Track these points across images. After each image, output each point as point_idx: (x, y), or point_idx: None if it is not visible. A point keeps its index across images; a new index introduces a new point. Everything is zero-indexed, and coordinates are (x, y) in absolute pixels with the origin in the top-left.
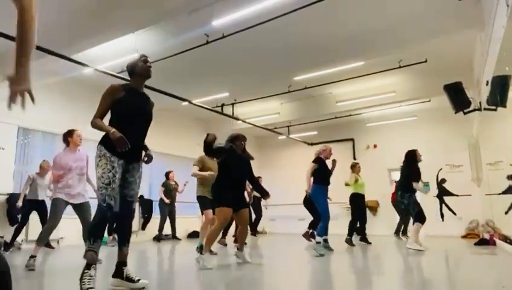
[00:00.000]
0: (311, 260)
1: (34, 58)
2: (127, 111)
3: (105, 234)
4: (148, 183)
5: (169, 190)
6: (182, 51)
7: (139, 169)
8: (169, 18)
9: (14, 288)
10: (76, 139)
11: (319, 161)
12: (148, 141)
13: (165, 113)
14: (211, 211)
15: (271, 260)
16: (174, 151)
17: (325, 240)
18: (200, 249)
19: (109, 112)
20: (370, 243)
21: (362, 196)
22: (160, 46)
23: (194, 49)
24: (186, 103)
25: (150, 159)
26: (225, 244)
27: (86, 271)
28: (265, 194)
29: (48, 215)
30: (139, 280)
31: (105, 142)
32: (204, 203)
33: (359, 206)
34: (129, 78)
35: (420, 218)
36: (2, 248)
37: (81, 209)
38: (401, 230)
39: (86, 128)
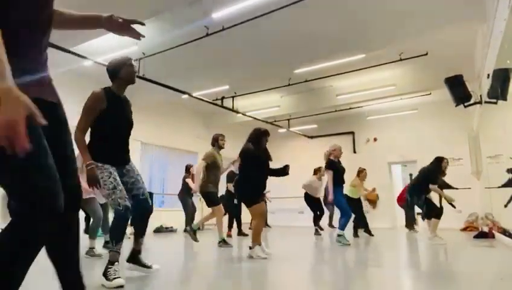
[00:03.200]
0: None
1: None
2: (111, 123)
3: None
4: (148, 176)
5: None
6: (181, 43)
7: (134, 168)
8: (169, 10)
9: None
10: None
11: (333, 166)
12: (148, 134)
13: (164, 106)
14: (221, 206)
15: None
16: (174, 144)
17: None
18: (224, 242)
19: None
20: (373, 235)
21: (358, 199)
22: (160, 38)
23: (194, 41)
24: (186, 96)
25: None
26: (230, 236)
27: (110, 267)
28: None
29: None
30: (151, 265)
31: (96, 156)
32: (213, 198)
33: (357, 207)
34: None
35: (437, 213)
36: None
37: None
38: (414, 223)
39: None
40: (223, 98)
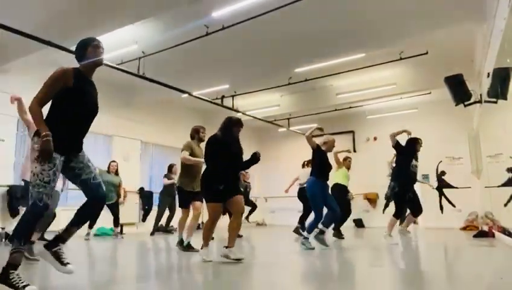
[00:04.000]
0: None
1: (34, 50)
2: (75, 104)
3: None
4: (149, 176)
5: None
6: (181, 42)
7: (84, 154)
8: (168, 9)
9: None
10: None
11: (319, 152)
12: (148, 133)
13: (164, 105)
14: (198, 203)
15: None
16: (173, 144)
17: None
18: (180, 244)
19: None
20: (343, 238)
21: (345, 187)
22: (160, 37)
23: (193, 40)
24: (186, 95)
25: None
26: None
27: (11, 271)
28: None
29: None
30: (68, 263)
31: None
32: (182, 200)
33: (343, 198)
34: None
35: (396, 212)
36: (3, 240)
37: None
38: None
39: None
40: (223, 97)
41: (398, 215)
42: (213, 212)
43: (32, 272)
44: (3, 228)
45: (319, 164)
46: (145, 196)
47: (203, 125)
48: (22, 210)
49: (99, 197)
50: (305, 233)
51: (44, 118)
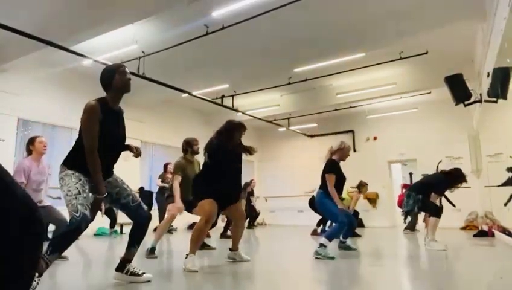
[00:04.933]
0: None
1: (33, 50)
2: (102, 140)
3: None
4: (148, 175)
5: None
6: (181, 42)
7: (117, 178)
8: (168, 9)
9: None
10: (39, 147)
11: (333, 168)
12: (148, 133)
13: (164, 105)
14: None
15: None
16: (173, 143)
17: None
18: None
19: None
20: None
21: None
22: (160, 37)
23: (193, 40)
24: (186, 95)
25: (139, 152)
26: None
27: (35, 279)
28: None
29: None
30: (143, 273)
31: (72, 166)
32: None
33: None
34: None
35: (435, 211)
36: None
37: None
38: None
39: None
40: (223, 96)
41: (439, 213)
42: (208, 210)
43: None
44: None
45: (336, 179)
46: (145, 196)
47: (203, 126)
48: None
49: (142, 218)
50: (322, 239)
51: (72, 149)
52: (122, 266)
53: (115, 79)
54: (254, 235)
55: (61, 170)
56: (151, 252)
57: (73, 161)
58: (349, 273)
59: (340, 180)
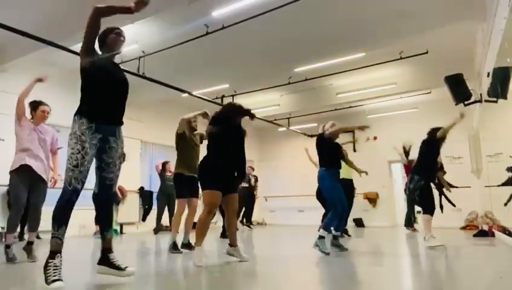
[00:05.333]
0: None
1: (33, 50)
2: (107, 76)
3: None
4: (148, 175)
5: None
6: (181, 41)
7: (118, 149)
8: (168, 9)
9: None
10: (40, 116)
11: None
12: (148, 133)
13: (164, 104)
14: (183, 201)
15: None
16: (173, 143)
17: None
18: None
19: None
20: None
21: (350, 181)
22: (160, 37)
23: (193, 40)
24: (186, 95)
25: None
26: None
27: (50, 261)
28: None
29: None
30: (126, 267)
31: (82, 111)
32: (177, 189)
33: (349, 194)
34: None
35: (428, 208)
36: (3, 240)
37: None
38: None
39: None
40: (223, 96)
41: (431, 210)
42: (211, 202)
43: (33, 272)
44: (3, 228)
45: (327, 151)
46: (145, 196)
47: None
48: None
49: (103, 197)
50: (320, 231)
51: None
52: (104, 257)
53: (109, 37)
54: (254, 235)
55: (73, 121)
56: (174, 248)
57: (88, 102)
58: (350, 274)
59: (335, 152)
